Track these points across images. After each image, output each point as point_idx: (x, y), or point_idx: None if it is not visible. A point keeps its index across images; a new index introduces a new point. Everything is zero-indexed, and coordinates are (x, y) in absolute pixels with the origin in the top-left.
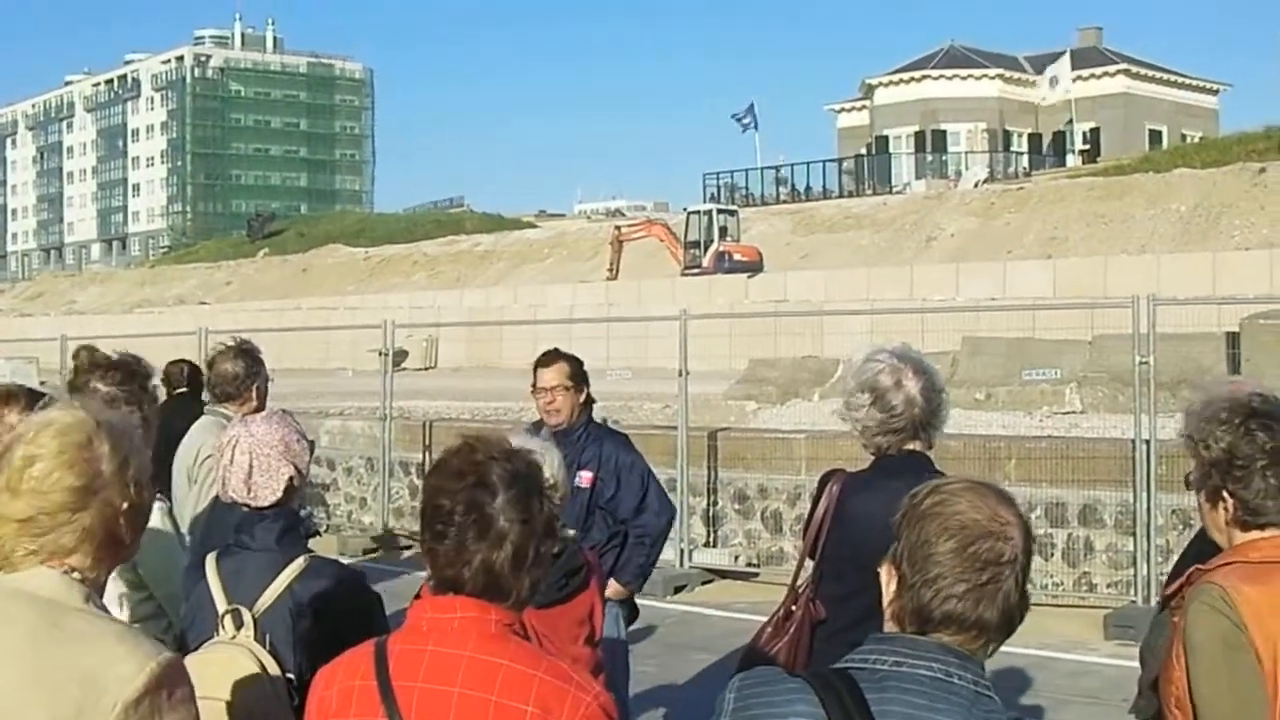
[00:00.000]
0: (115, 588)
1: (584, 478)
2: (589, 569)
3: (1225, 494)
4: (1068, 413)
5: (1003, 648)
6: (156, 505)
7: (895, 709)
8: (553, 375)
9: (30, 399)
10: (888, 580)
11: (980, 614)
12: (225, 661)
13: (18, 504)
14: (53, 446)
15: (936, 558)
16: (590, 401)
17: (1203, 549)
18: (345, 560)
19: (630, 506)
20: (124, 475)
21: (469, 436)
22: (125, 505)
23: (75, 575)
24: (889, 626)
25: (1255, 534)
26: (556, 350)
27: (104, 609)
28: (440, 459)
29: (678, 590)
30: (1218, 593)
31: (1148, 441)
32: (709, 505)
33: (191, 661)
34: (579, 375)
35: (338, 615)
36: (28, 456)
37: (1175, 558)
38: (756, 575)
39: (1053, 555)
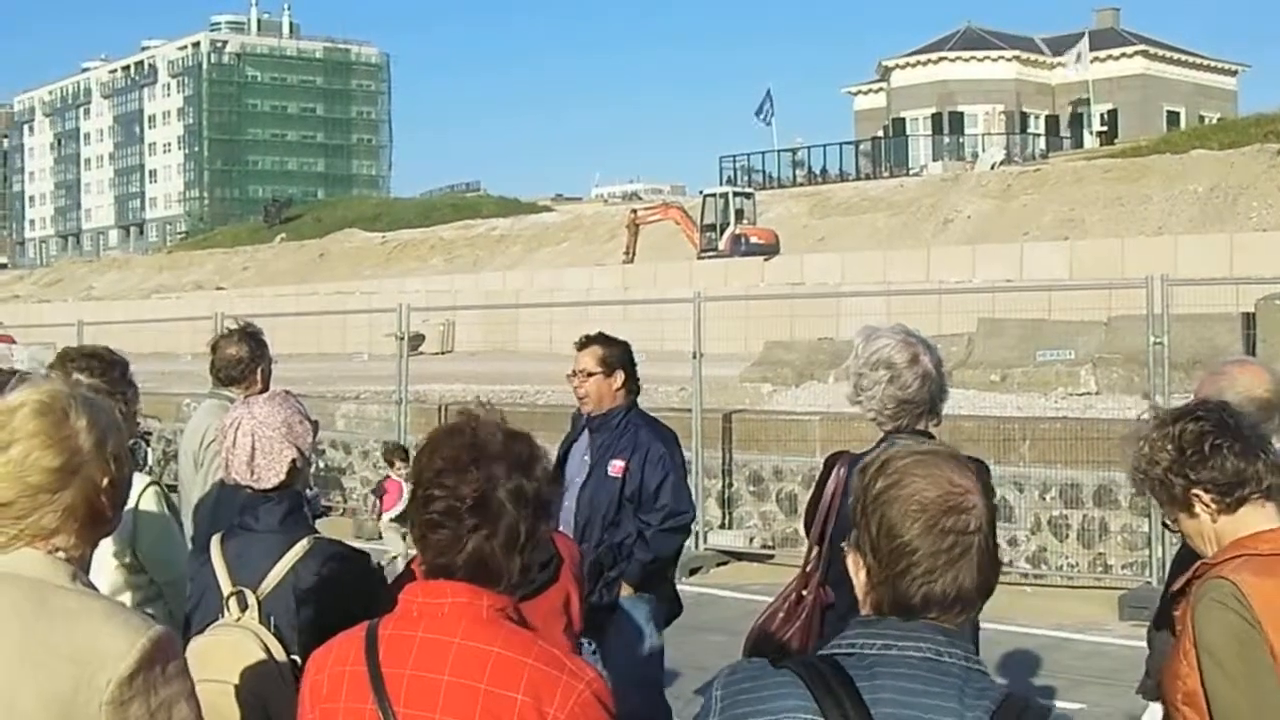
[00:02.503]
0: (117, 575)
1: (615, 467)
2: (559, 560)
3: (1197, 491)
4: (1083, 394)
5: (1017, 628)
6: (152, 489)
7: (887, 695)
8: (583, 359)
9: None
10: (855, 569)
11: (960, 587)
12: (230, 644)
13: None
14: (28, 428)
15: (904, 547)
16: (633, 389)
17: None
18: (359, 544)
19: (648, 501)
20: (103, 451)
21: (462, 415)
22: (106, 481)
23: (60, 555)
24: (867, 613)
25: (1255, 523)
26: (597, 334)
27: (91, 586)
28: (431, 441)
29: (693, 572)
30: (1229, 588)
31: None
32: (724, 487)
33: (196, 644)
34: (613, 361)
35: (342, 596)
36: (3, 441)
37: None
38: (772, 557)
39: (1068, 536)
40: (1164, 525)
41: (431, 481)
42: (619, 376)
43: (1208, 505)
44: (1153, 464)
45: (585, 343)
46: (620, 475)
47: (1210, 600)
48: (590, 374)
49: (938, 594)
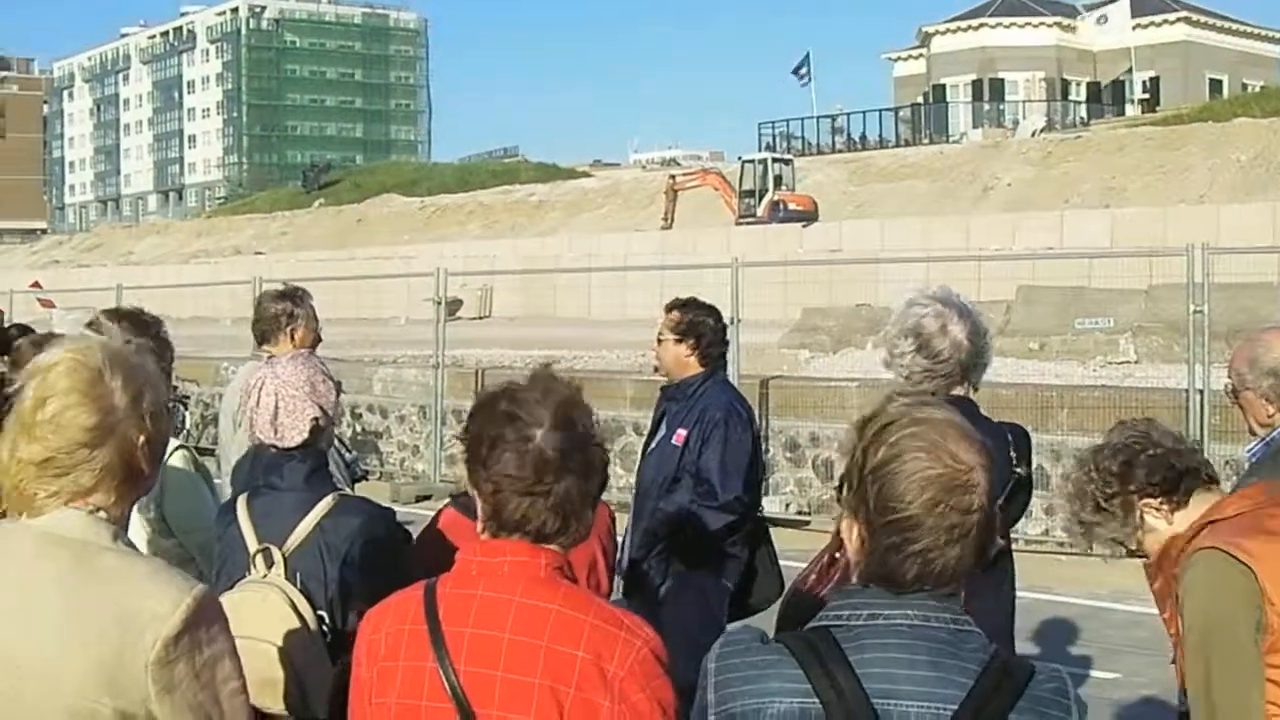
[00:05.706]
0: (145, 539)
1: (678, 435)
2: None
3: (1144, 500)
4: (1122, 362)
5: (1053, 596)
6: (180, 452)
7: (876, 665)
8: (662, 322)
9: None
10: (849, 533)
11: (959, 565)
12: (257, 600)
13: (34, 447)
14: (63, 385)
15: (903, 523)
16: (709, 357)
17: None
18: (396, 507)
19: (699, 475)
20: (139, 408)
21: (502, 382)
22: (142, 439)
23: (100, 514)
24: (855, 582)
25: (1204, 496)
26: (686, 298)
27: (131, 545)
28: (483, 401)
29: None
30: (1220, 556)
31: (1201, 391)
32: (761, 453)
33: (224, 601)
34: (687, 328)
35: (367, 552)
36: (39, 397)
37: None
38: (808, 523)
39: None
40: (1131, 555)
41: (476, 439)
42: (691, 344)
43: (1158, 509)
44: (1084, 500)
45: (670, 306)
46: (681, 444)
47: (1197, 571)
48: (661, 340)
49: (934, 572)
